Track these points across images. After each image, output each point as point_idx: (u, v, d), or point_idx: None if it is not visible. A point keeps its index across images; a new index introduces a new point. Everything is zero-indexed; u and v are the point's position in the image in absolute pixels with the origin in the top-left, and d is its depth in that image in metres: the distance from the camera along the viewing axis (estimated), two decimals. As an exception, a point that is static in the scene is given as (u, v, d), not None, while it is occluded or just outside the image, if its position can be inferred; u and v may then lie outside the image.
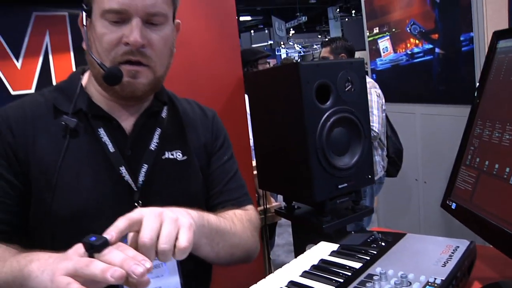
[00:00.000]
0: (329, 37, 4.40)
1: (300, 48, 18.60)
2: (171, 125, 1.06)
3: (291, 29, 16.17)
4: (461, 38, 2.81)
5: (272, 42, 9.72)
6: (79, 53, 1.61)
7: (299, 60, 6.85)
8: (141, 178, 0.96)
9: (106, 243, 0.67)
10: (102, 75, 0.89)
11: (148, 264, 0.65)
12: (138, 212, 0.73)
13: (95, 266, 0.63)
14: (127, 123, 1.00)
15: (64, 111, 0.96)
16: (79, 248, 0.68)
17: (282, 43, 10.18)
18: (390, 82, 3.56)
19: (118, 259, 0.64)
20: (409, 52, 3.40)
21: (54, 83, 1.56)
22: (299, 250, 1.79)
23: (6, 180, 0.91)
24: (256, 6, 14.19)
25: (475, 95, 1.02)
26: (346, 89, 1.60)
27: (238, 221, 1.04)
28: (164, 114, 1.05)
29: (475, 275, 0.91)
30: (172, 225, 0.72)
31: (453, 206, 0.99)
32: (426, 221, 3.40)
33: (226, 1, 2.00)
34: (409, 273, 0.80)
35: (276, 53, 13.02)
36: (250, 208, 1.13)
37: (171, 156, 1.02)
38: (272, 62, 3.61)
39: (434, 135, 3.19)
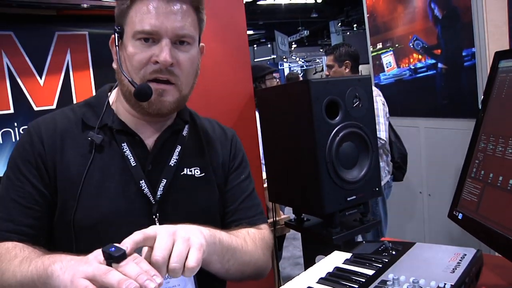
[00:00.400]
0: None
1: (302, 62, 18.78)
2: (191, 142, 1.11)
3: (293, 43, 16.36)
4: (463, 54, 2.88)
5: (275, 56, 9.86)
6: (98, 70, 1.68)
7: (301, 75, 6.95)
8: (159, 192, 1.01)
9: (124, 255, 0.71)
10: (133, 92, 0.95)
11: (159, 279, 0.69)
12: (153, 229, 0.78)
13: (113, 276, 0.68)
14: (150, 139, 1.05)
15: (91, 126, 1.02)
16: (98, 255, 0.73)
17: (284, 57, 10.30)
18: (393, 96, 3.63)
19: (134, 272, 0.69)
20: (412, 67, 3.48)
21: (74, 98, 1.63)
22: (308, 261, 1.84)
23: (36, 188, 0.97)
24: (258, 20, 14.37)
25: (479, 111, 1.08)
26: (354, 105, 1.66)
27: (251, 239, 1.07)
28: (185, 132, 1.10)
29: (483, 282, 0.95)
30: (184, 244, 0.77)
31: (460, 216, 1.05)
32: (430, 233, 3.44)
33: (237, 22, 2.08)
34: (420, 278, 0.85)
35: (279, 67, 13.16)
36: (264, 227, 1.17)
37: (189, 172, 1.07)
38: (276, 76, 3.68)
39: (438, 148, 3.24)
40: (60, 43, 1.61)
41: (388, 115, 2.93)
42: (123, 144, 1.01)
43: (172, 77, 0.97)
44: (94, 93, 1.67)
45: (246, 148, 2.07)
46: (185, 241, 0.78)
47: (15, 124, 1.54)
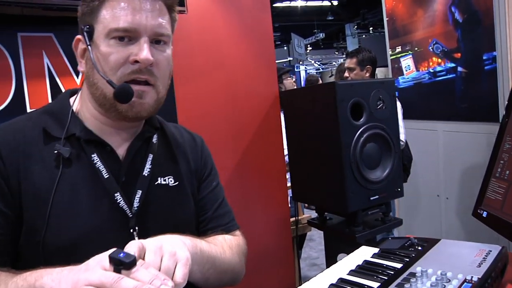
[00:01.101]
0: (354, 48, 4.47)
1: (318, 64, 18.80)
2: (162, 150, 1.06)
3: (309, 45, 16.39)
4: (484, 57, 2.89)
5: (291, 58, 9.90)
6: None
7: (319, 77, 7.01)
8: (135, 204, 0.95)
9: (134, 261, 0.67)
10: (113, 93, 0.88)
11: (170, 283, 0.67)
12: (142, 244, 0.74)
13: (126, 284, 0.64)
14: (121, 148, 0.98)
15: (56, 136, 0.93)
16: (102, 260, 0.68)
17: (300, 60, 10.35)
18: (412, 99, 3.64)
19: (147, 278, 0.66)
20: (432, 71, 3.49)
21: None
22: (330, 259, 1.89)
23: None
24: (274, 22, 14.44)
25: (504, 115, 1.12)
26: (378, 107, 1.70)
27: (228, 247, 1.04)
28: (155, 139, 1.04)
29: (508, 279, 0.99)
30: (171, 260, 0.74)
31: (484, 214, 1.09)
32: (448, 237, 3.45)
33: (263, 23, 2.14)
34: (447, 271, 0.90)
35: (295, 69, 13.21)
36: (238, 234, 1.15)
37: (163, 182, 1.02)
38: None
39: (456, 152, 3.25)
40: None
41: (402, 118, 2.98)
42: (93, 155, 0.93)
43: (151, 78, 0.91)
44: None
45: (271, 146, 2.14)
46: (172, 256, 0.75)
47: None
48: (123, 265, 0.66)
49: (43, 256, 0.86)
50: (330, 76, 16.70)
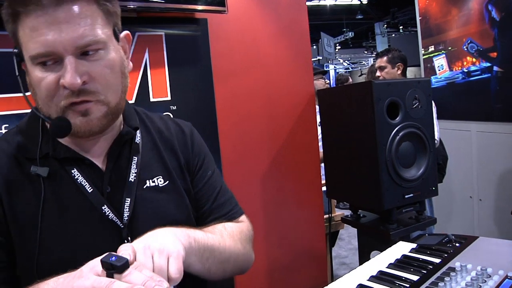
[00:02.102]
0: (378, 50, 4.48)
1: (348, 64, 18.66)
2: (148, 150, 0.99)
3: (337, 44, 16.27)
4: (522, 57, 2.85)
5: (320, 58, 9.85)
6: (173, 69, 1.81)
7: (349, 76, 6.98)
8: (125, 213, 0.91)
9: (127, 264, 0.66)
10: (50, 130, 0.85)
11: (165, 284, 0.65)
12: (132, 247, 0.72)
13: (118, 286, 0.63)
14: (100, 158, 0.93)
15: (31, 157, 0.88)
16: (95, 266, 0.67)
17: (330, 59, 10.30)
18: (445, 99, 3.61)
19: (140, 280, 0.64)
20: (466, 70, 3.45)
21: (150, 94, 1.77)
22: (363, 256, 1.91)
23: None
24: (303, 21, 14.37)
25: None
26: (414, 106, 1.71)
27: (228, 234, 0.99)
28: (138, 139, 0.97)
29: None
30: (161, 257, 0.72)
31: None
32: (480, 238, 3.40)
33: (300, 22, 2.17)
34: (487, 267, 0.92)
35: (325, 68, 13.17)
36: (243, 219, 1.10)
37: (152, 184, 0.97)
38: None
39: (490, 153, 3.21)
40: (140, 42, 1.75)
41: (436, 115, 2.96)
42: (72, 171, 0.89)
43: (89, 96, 0.82)
44: (169, 91, 1.81)
45: (306, 144, 2.18)
46: (162, 253, 0.73)
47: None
48: (114, 269, 0.65)
49: (38, 277, 0.81)
50: (359, 76, 16.56)
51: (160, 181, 0.98)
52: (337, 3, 14.34)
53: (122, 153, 0.95)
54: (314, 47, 14.85)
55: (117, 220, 0.89)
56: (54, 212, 0.86)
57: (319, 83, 3.63)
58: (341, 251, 4.41)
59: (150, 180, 0.96)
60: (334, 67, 17.44)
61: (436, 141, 2.75)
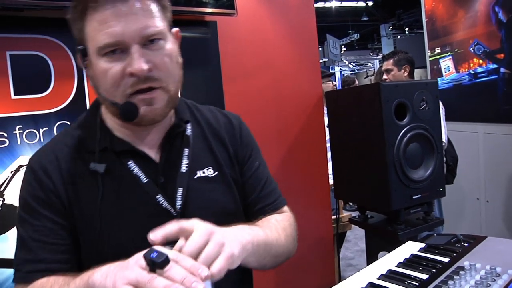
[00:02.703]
0: (383, 53, 4.49)
1: (353, 65, 18.67)
2: (198, 142, 1.04)
3: (343, 46, 16.28)
4: (529, 58, 2.85)
5: (326, 59, 9.88)
6: (183, 71, 1.83)
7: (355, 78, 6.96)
8: (178, 202, 0.96)
9: (167, 260, 0.69)
10: (119, 114, 0.89)
11: (205, 272, 0.69)
12: (192, 224, 0.77)
13: (158, 283, 0.66)
14: (153, 150, 0.99)
15: (91, 150, 0.95)
16: (140, 259, 0.71)
17: (336, 61, 10.30)
18: (452, 101, 3.61)
19: (179, 276, 0.67)
20: (472, 72, 3.46)
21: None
22: (371, 256, 1.92)
23: (56, 222, 0.92)
24: (309, 23, 14.38)
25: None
26: (421, 108, 1.73)
27: (282, 229, 1.04)
28: (188, 131, 1.02)
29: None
30: (215, 249, 0.75)
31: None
32: (488, 240, 3.40)
33: (308, 24, 2.19)
34: (496, 266, 0.93)
35: (330, 70, 13.20)
36: (286, 210, 1.15)
37: (203, 174, 1.01)
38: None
39: (497, 154, 3.21)
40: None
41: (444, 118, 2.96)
42: (129, 163, 0.95)
43: (154, 83, 0.88)
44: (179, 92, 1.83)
45: (314, 145, 2.19)
46: (217, 245, 0.75)
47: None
48: (155, 265, 0.68)
49: (99, 264, 0.84)
50: (365, 77, 16.56)
51: (210, 171, 1.02)
52: (342, 5, 14.36)
53: (173, 144, 1.00)
54: (320, 49, 14.87)
55: (170, 208, 0.95)
56: (112, 202, 0.93)
57: (327, 86, 3.64)
58: (347, 253, 4.41)
59: (201, 171, 1.01)
60: (340, 69, 17.46)
61: (444, 143, 2.75)
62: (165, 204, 0.94)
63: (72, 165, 0.94)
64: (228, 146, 1.07)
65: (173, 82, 0.92)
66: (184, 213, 0.95)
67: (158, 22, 0.88)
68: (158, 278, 0.67)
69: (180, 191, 0.96)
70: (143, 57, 0.85)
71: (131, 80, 0.86)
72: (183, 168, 0.98)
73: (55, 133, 1.64)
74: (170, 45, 0.91)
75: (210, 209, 0.99)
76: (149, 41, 0.87)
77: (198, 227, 0.76)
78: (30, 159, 0.98)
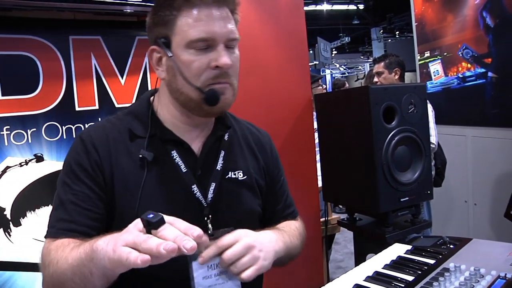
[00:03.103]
0: (374, 56, 4.54)
1: (344, 68, 18.75)
2: (233, 147, 1.15)
3: (334, 49, 16.34)
4: (516, 63, 2.89)
5: (317, 62, 9.92)
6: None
7: (345, 81, 7.02)
8: (210, 195, 1.05)
9: (162, 221, 0.75)
10: (204, 98, 0.98)
11: (197, 232, 0.76)
12: (235, 237, 0.92)
13: (151, 241, 0.72)
14: (196, 145, 1.08)
15: (139, 135, 1.05)
16: (138, 223, 0.77)
17: (327, 64, 10.35)
18: (441, 104, 3.64)
19: (172, 235, 0.73)
20: (461, 76, 3.49)
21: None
22: (360, 258, 1.93)
23: (94, 191, 1.00)
24: (300, 26, 14.41)
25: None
26: (410, 111, 1.74)
27: (299, 235, 1.20)
28: (226, 137, 1.13)
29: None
30: (251, 260, 0.92)
31: (517, 215, 1.12)
32: (475, 242, 3.43)
33: (298, 28, 2.20)
34: (480, 268, 0.94)
35: (321, 73, 13.25)
36: (299, 218, 1.30)
37: (233, 176, 1.11)
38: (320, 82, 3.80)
39: (485, 157, 3.25)
40: (140, 46, 1.78)
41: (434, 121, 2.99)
42: (172, 152, 1.05)
43: (228, 79, 1.01)
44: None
45: (303, 148, 2.20)
46: (254, 258, 0.92)
47: (99, 119, 1.71)
48: (150, 225, 0.74)
49: None
50: (356, 81, 16.62)
51: (240, 175, 1.13)
52: (334, 8, 14.43)
53: (213, 145, 1.11)
54: (311, 52, 14.91)
55: (202, 199, 1.04)
56: (152, 184, 1.02)
57: (317, 90, 3.65)
58: (337, 255, 4.43)
59: (232, 172, 1.12)
60: (331, 72, 17.52)
61: (434, 145, 2.78)
62: (198, 194, 1.04)
63: (120, 143, 1.04)
64: (258, 157, 1.20)
65: (237, 82, 1.04)
66: (213, 206, 1.06)
67: (237, 31, 1.02)
68: (153, 238, 0.73)
69: (213, 186, 1.06)
70: (227, 55, 0.98)
71: (214, 73, 0.98)
72: (218, 167, 1.09)
73: (43, 134, 1.64)
74: (238, 51, 1.04)
75: (234, 207, 1.10)
76: (229, 44, 0.99)
77: (241, 239, 0.92)
78: (81, 132, 1.08)
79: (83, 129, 1.70)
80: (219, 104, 1.00)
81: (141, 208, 0.98)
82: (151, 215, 0.75)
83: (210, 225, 1.04)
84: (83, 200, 0.99)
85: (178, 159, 1.04)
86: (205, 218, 1.04)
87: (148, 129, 1.05)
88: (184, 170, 1.04)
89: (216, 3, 0.98)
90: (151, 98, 1.12)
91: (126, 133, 1.06)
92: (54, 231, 0.98)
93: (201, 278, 0.94)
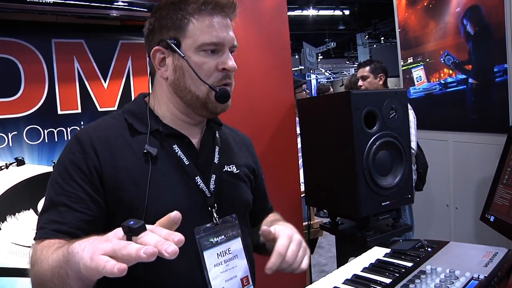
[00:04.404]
0: (360, 61, 4.62)
1: (329, 73, 18.89)
2: (224, 143, 1.23)
3: (319, 54, 16.46)
4: (495, 69, 2.94)
5: (302, 67, 9.98)
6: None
7: (330, 86, 7.07)
8: (211, 186, 1.12)
9: (143, 227, 0.74)
10: (216, 96, 1.07)
11: (177, 237, 0.74)
12: (287, 239, 1.05)
13: (131, 247, 0.71)
14: (195, 140, 1.16)
15: (140, 131, 1.10)
16: (118, 231, 0.76)
17: (312, 69, 10.42)
18: (423, 110, 3.70)
19: (153, 241, 0.72)
20: (443, 82, 3.55)
21: (133, 102, 1.79)
22: (341, 262, 1.95)
23: (89, 194, 1.01)
24: (286, 31, 14.49)
25: (511, 124, 1.18)
26: (390, 116, 1.77)
27: None
28: (217, 134, 1.22)
29: (513, 279, 1.05)
30: (303, 252, 1.07)
31: (492, 219, 1.15)
32: (456, 246, 3.47)
33: (282, 34, 2.22)
34: (455, 270, 0.96)
35: (306, 78, 13.34)
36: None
37: (229, 169, 1.20)
38: (304, 86, 3.79)
39: (466, 162, 3.30)
40: (123, 50, 1.78)
41: (415, 126, 3.04)
42: (174, 146, 1.11)
43: (231, 80, 1.11)
44: (151, 97, 1.83)
45: (286, 152, 2.21)
46: (304, 250, 1.08)
47: (82, 123, 1.71)
48: (132, 231, 0.73)
49: None
50: (341, 85, 16.77)
51: (234, 168, 1.22)
52: (319, 13, 14.54)
53: (209, 140, 1.19)
54: (296, 56, 15.02)
55: (206, 189, 1.11)
56: (159, 177, 1.06)
57: (302, 96, 3.68)
58: (321, 259, 4.45)
59: (227, 166, 1.20)
60: (316, 76, 17.64)
61: (413, 150, 2.82)
62: (201, 185, 1.10)
63: (121, 140, 1.08)
64: (246, 157, 1.30)
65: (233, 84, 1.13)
66: (216, 196, 1.13)
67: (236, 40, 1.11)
68: (132, 244, 0.72)
69: (213, 177, 1.13)
70: (232, 59, 1.08)
71: (221, 74, 1.07)
72: (216, 160, 1.16)
73: (25, 138, 1.62)
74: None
75: (235, 198, 1.19)
76: (232, 50, 1.10)
77: (282, 233, 1.06)
78: (77, 132, 1.10)
79: (65, 133, 1.69)
80: (225, 103, 1.09)
81: (150, 200, 1.03)
82: (133, 222, 0.74)
83: (215, 214, 1.10)
84: (76, 202, 1.00)
85: (180, 153, 1.10)
86: (209, 208, 1.10)
87: (148, 125, 1.10)
88: (186, 162, 1.10)
89: (223, 13, 1.08)
90: (145, 99, 1.18)
91: (126, 130, 1.10)
92: (44, 232, 0.98)
93: (213, 266, 1.02)
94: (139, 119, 1.12)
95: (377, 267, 1.09)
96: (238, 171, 1.22)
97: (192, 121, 1.15)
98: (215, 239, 1.06)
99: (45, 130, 1.66)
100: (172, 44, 1.06)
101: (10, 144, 1.60)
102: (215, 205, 1.11)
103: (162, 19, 1.08)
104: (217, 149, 1.18)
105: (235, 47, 1.11)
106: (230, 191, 1.18)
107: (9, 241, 1.62)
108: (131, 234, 0.74)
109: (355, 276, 1.04)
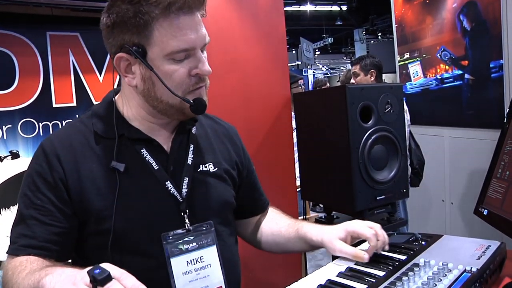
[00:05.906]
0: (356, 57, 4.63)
1: (326, 69, 18.90)
2: (202, 141, 1.16)
3: (317, 50, 16.45)
4: (491, 65, 2.95)
5: (299, 62, 9.98)
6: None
7: (327, 81, 7.08)
8: (184, 190, 1.06)
9: (108, 277, 0.73)
10: (191, 108, 1.00)
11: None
12: (373, 225, 1.14)
13: None
14: (165, 142, 1.09)
15: (106, 137, 1.04)
16: (85, 276, 0.74)
17: (309, 64, 10.43)
18: (419, 105, 3.71)
19: None
20: (439, 77, 3.56)
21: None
22: (337, 255, 1.95)
23: (56, 206, 0.98)
24: (284, 26, 14.48)
25: (505, 119, 1.19)
26: (386, 111, 1.77)
27: None
28: (194, 130, 1.15)
29: (506, 273, 1.06)
30: (379, 230, 1.12)
31: (485, 212, 1.15)
32: (451, 241, 3.49)
33: (278, 29, 2.22)
34: (448, 262, 0.97)
35: (304, 73, 13.35)
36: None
37: (205, 169, 1.13)
38: (300, 82, 3.80)
39: (462, 158, 3.31)
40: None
41: (409, 122, 3.04)
42: (142, 150, 1.05)
43: (204, 81, 1.03)
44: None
45: (281, 147, 2.22)
46: (373, 226, 1.14)
47: (77, 115, 1.71)
48: (96, 281, 0.72)
49: (112, 240, 0.98)
50: (337, 81, 16.74)
51: (211, 167, 1.14)
52: (317, 9, 14.53)
53: (182, 140, 1.11)
54: (294, 52, 15.01)
55: (177, 194, 1.05)
56: (127, 184, 1.01)
57: (298, 91, 3.69)
58: (316, 254, 4.46)
59: (203, 165, 1.13)
60: (313, 72, 17.65)
61: None
62: (172, 190, 1.04)
63: (86, 148, 1.03)
64: (229, 149, 1.23)
65: (208, 83, 1.06)
66: (189, 200, 1.07)
67: (207, 33, 1.01)
68: None
69: (186, 180, 1.07)
70: (205, 61, 0.99)
71: (194, 80, 0.99)
72: (189, 161, 1.10)
73: (19, 131, 1.62)
74: (205, 51, 1.03)
75: (210, 200, 1.12)
76: (203, 48, 1.01)
77: (375, 224, 1.15)
78: (43, 141, 1.04)
79: (60, 126, 1.69)
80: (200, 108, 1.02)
81: (119, 210, 0.99)
82: (98, 271, 0.73)
83: (187, 220, 1.04)
84: (45, 215, 0.97)
85: (148, 157, 1.04)
86: (182, 213, 1.05)
87: (115, 130, 1.03)
88: (156, 167, 1.04)
89: (189, 10, 0.95)
90: (114, 98, 1.09)
91: (91, 136, 1.05)
92: (15, 247, 0.97)
93: (181, 274, 0.97)
94: (105, 122, 1.06)
95: (371, 260, 1.09)
96: (215, 169, 1.15)
97: (163, 122, 1.09)
98: (185, 246, 1.01)
99: (40, 123, 1.66)
100: (137, 54, 0.95)
101: (5, 137, 1.59)
102: (187, 210, 1.06)
103: (122, 18, 0.94)
104: (191, 148, 1.11)
105: (207, 44, 1.01)
106: (206, 193, 1.12)
107: (4, 235, 1.61)
108: (96, 284, 0.72)
109: (349, 269, 1.04)
